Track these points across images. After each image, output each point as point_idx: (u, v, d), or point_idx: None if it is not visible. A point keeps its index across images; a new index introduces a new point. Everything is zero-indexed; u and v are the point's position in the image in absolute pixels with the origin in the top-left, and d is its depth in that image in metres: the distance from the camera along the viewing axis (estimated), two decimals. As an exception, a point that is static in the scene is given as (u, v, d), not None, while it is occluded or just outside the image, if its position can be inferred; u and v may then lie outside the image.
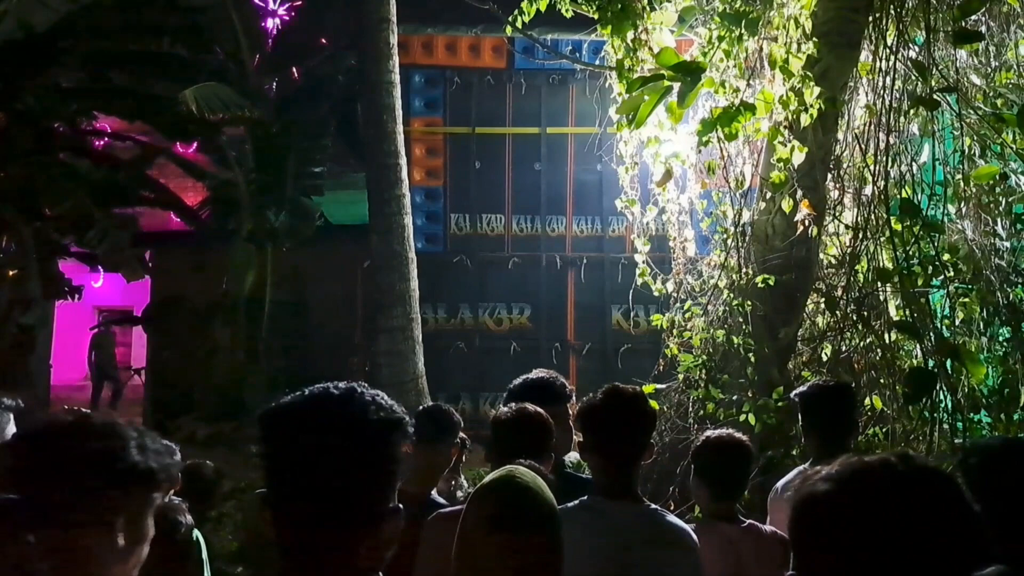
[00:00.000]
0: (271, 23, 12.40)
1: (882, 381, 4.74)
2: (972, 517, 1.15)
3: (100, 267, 11.12)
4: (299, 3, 12.56)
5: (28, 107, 9.53)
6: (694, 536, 2.42)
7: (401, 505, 1.40)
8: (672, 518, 2.46)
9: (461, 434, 3.46)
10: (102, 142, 11.85)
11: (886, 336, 4.73)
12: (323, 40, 11.73)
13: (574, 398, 2.98)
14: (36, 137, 9.66)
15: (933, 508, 1.12)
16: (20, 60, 9.03)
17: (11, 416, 2.70)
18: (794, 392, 3.49)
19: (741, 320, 4.93)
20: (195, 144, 12.06)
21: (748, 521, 2.88)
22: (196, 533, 3.10)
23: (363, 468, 1.34)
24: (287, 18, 12.66)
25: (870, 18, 4.78)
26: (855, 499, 1.13)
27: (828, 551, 1.14)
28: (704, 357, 5.06)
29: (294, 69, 11.91)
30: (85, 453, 1.44)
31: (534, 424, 2.53)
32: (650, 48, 5.00)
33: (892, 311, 4.79)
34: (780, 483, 3.27)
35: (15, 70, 9.15)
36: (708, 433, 3.14)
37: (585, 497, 2.39)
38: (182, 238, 12.00)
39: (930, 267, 4.33)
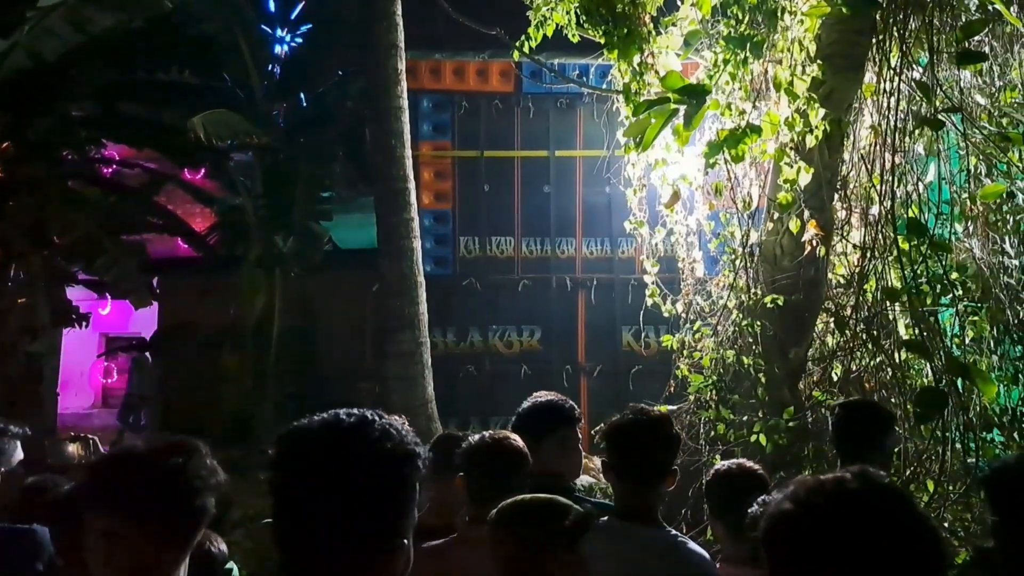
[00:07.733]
0: (279, 49, 12.51)
1: (893, 400, 4.73)
2: (926, 531, 1.19)
3: (108, 294, 11.15)
4: (308, 29, 12.67)
5: (38, 136, 9.61)
6: (715, 567, 2.40)
7: (408, 539, 1.34)
8: (693, 546, 2.41)
9: None
10: (111, 170, 11.94)
11: (896, 355, 4.72)
12: (331, 66, 11.82)
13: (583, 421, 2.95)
14: (45, 166, 9.73)
15: (886, 523, 1.16)
16: (30, 90, 9.11)
17: (18, 443, 2.74)
18: (833, 413, 3.40)
19: (751, 340, 4.93)
20: (203, 170, 12.15)
21: None
22: (231, 565, 3.03)
23: (373, 498, 1.30)
24: (295, 44, 12.78)
25: (874, 40, 4.82)
26: (811, 517, 1.18)
27: (792, 568, 1.18)
28: (714, 378, 5.06)
29: (302, 95, 12.01)
30: (163, 487, 1.61)
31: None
32: (656, 72, 5.03)
33: (902, 330, 4.79)
34: None
35: (25, 100, 9.24)
36: (718, 466, 2.99)
37: (604, 518, 2.37)
38: (190, 264, 12.04)
39: (939, 286, 4.34)
